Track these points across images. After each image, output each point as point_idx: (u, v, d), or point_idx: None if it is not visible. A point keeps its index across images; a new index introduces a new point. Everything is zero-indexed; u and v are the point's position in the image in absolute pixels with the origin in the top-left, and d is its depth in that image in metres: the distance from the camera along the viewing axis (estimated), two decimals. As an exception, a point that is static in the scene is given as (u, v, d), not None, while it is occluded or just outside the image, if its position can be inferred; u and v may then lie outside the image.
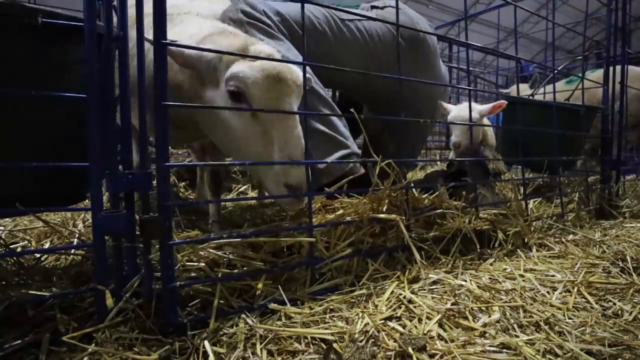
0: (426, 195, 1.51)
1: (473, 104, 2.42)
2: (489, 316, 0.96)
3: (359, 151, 1.76)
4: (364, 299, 1.07)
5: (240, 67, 1.14)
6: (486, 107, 2.51)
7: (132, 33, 0.97)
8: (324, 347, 0.84)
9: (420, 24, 2.19)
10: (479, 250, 1.42)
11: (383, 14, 2.07)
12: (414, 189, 1.47)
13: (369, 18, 1.97)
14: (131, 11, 0.97)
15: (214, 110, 1.22)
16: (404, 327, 0.90)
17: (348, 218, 1.26)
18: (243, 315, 0.96)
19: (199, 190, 2.38)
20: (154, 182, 0.94)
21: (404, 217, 1.32)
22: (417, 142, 2.49)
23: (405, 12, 2.16)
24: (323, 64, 1.62)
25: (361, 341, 0.84)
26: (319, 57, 1.73)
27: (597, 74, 3.25)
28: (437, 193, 1.51)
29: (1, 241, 1.27)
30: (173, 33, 1.34)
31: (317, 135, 1.67)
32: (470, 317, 0.95)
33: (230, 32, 1.33)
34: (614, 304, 1.06)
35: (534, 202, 2.15)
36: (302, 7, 1.17)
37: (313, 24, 1.87)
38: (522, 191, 2.02)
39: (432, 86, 2.29)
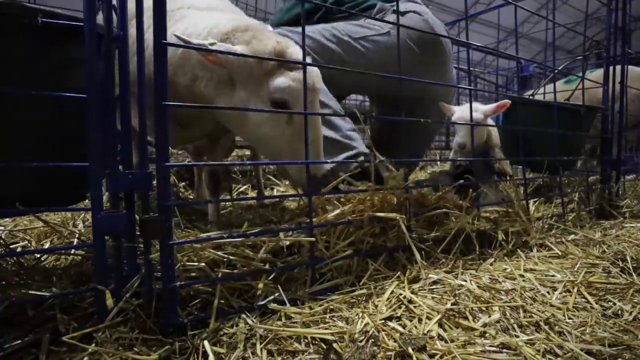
0: (427, 193, 1.51)
1: (477, 104, 2.43)
2: (489, 316, 0.96)
3: (367, 150, 1.77)
4: (364, 299, 1.07)
5: (286, 82, 1.23)
6: (490, 107, 2.50)
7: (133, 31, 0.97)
8: (324, 347, 0.84)
9: (439, 31, 2.24)
10: (479, 250, 1.42)
11: (403, 20, 2.11)
12: (414, 189, 1.47)
13: (382, 21, 2.04)
14: (132, 5, 0.96)
15: (246, 112, 1.28)
16: (404, 327, 0.90)
17: (348, 218, 1.26)
18: (243, 315, 0.96)
19: (197, 191, 2.38)
20: (154, 182, 0.94)
21: (404, 217, 1.32)
22: (424, 143, 2.55)
23: (425, 19, 2.22)
24: (336, 81, 1.66)
25: (361, 341, 0.84)
26: (333, 73, 1.76)
27: (597, 74, 3.25)
28: (440, 193, 1.51)
29: (1, 241, 1.28)
30: (177, 29, 1.33)
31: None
32: (470, 317, 0.95)
33: (255, 28, 1.31)
34: (614, 304, 1.06)
35: (534, 202, 2.15)
36: (302, 6, 1.18)
37: (326, 46, 2.02)
38: (522, 191, 2.02)
39: (442, 89, 2.34)
